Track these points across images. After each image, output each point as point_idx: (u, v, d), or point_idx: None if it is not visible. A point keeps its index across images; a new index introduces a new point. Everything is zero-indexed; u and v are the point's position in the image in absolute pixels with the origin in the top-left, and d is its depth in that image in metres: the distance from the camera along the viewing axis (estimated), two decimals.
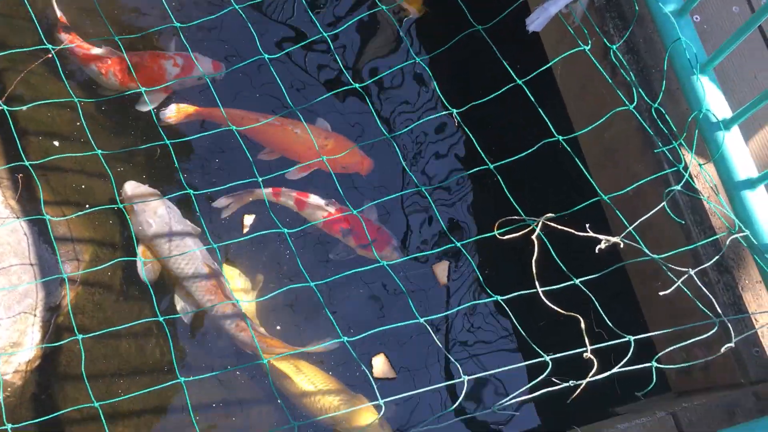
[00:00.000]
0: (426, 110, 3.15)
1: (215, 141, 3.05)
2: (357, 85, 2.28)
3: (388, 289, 2.86)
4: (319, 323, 2.83)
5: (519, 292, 1.98)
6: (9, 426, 1.77)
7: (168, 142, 2.20)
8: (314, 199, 2.89)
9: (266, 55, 2.28)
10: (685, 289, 1.88)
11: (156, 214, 2.75)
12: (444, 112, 2.19)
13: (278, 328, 2.81)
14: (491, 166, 2.13)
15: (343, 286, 2.88)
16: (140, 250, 2.72)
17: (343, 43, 3.31)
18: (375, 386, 1.78)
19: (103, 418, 1.85)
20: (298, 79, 3.23)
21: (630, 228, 1.99)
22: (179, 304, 2.72)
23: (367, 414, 2.51)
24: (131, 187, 2.82)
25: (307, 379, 2.57)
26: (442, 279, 2.86)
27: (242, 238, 2.64)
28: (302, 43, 3.17)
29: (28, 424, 2.63)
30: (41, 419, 2.11)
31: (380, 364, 2.71)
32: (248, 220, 2.98)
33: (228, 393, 2.73)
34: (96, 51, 2.96)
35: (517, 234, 2.09)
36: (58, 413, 2.10)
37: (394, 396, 1.90)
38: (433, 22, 3.29)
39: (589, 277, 1.97)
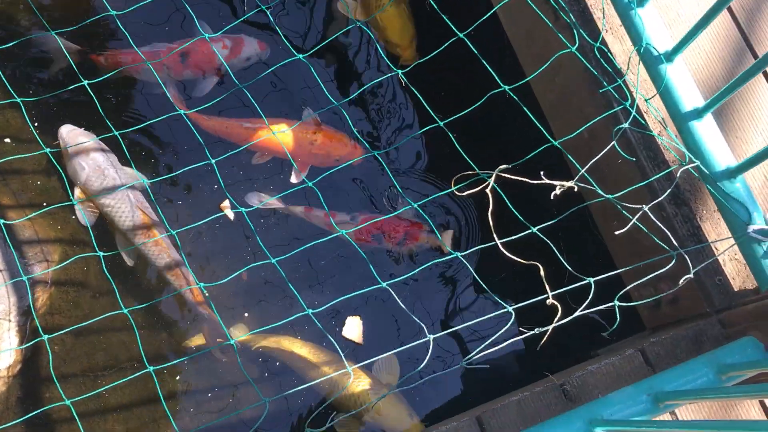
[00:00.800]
0: (372, 73, 3.12)
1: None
2: (301, 57, 2.25)
3: (348, 256, 2.86)
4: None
5: (478, 246, 1.99)
6: None
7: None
8: (340, 216, 2.90)
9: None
10: (641, 226, 1.88)
11: (89, 156, 2.72)
12: (389, 74, 2.16)
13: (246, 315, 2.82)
14: (441, 123, 2.11)
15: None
16: (76, 192, 2.70)
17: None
18: (342, 355, 1.79)
19: (75, 414, 1.85)
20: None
21: (582, 171, 1.98)
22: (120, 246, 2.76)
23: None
24: (66, 131, 2.78)
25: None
26: (447, 244, 2.83)
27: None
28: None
29: (17, 427, 2.66)
30: (16, 421, 2.11)
31: (353, 327, 2.72)
32: (228, 208, 2.96)
33: (211, 377, 2.75)
34: (144, 49, 2.93)
35: (475, 189, 2.09)
36: (31, 414, 2.09)
37: (364, 361, 1.91)
38: None
39: (546, 224, 1.96)
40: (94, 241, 2.10)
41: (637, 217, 1.87)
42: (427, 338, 1.83)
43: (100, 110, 2.17)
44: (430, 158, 3.05)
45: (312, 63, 2.33)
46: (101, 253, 2.05)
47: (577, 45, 2.05)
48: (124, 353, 2.82)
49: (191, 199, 2.98)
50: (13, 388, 2.73)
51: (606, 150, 2.00)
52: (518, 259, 1.91)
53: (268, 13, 2.33)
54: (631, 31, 2.03)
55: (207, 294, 2.63)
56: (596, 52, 2.10)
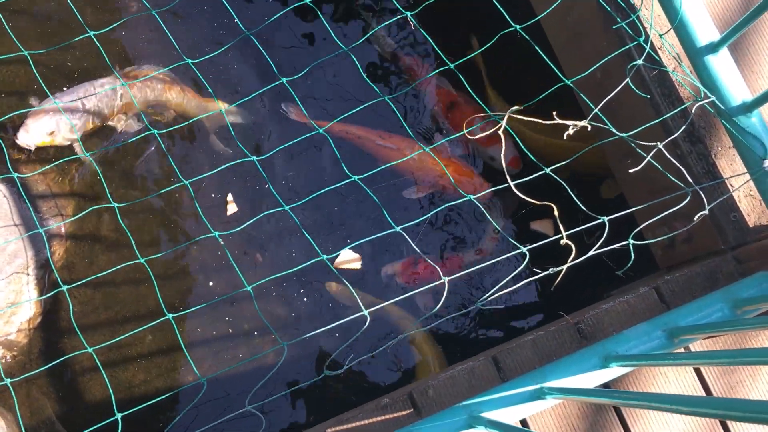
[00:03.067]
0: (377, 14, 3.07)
1: None
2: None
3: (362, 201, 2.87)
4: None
5: (491, 188, 1.98)
6: (8, 380, 1.82)
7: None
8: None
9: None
10: (655, 164, 1.87)
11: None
12: (398, 16, 2.13)
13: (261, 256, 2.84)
14: (452, 66, 2.08)
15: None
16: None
17: None
18: (357, 297, 1.80)
19: (98, 361, 1.89)
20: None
21: (596, 109, 1.96)
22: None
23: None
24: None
25: None
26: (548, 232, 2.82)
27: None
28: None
29: (40, 377, 2.72)
30: (40, 369, 2.16)
31: (347, 256, 2.75)
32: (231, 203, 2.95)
33: (225, 324, 2.79)
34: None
35: (487, 132, 2.07)
36: (52, 364, 2.13)
37: (379, 304, 1.93)
38: None
39: (560, 164, 1.95)
40: (108, 193, 2.11)
41: (651, 154, 1.86)
42: (442, 280, 1.85)
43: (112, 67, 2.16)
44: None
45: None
46: (116, 204, 2.06)
47: None
48: (141, 304, 2.86)
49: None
50: (35, 340, 2.78)
51: (620, 87, 1.98)
52: (531, 200, 1.91)
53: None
54: (680, 34, 1.98)
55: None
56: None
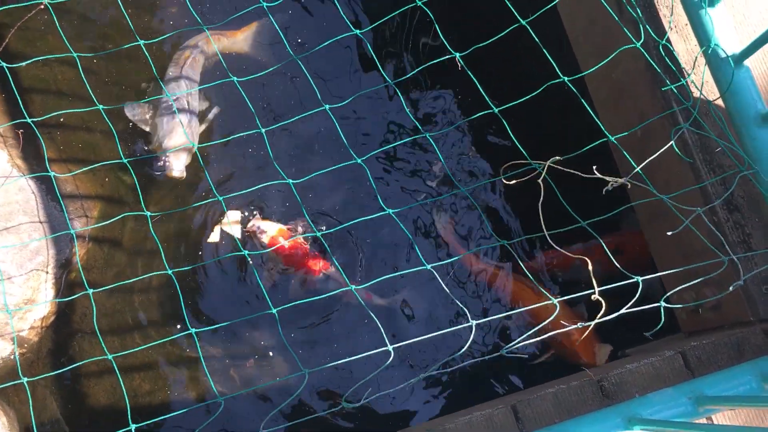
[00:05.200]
0: (428, 55, 3.10)
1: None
2: (357, 32, 2.24)
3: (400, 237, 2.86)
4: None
5: (525, 236, 1.98)
6: (25, 379, 1.80)
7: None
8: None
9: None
10: (693, 228, 1.87)
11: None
12: (447, 56, 2.15)
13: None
14: (495, 110, 2.09)
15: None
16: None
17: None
18: (383, 332, 1.79)
19: (117, 369, 1.88)
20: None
21: (638, 168, 1.96)
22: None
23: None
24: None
25: None
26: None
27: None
28: None
29: (46, 377, 2.69)
30: (56, 372, 2.14)
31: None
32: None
33: (244, 344, 2.77)
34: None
35: (524, 178, 2.07)
36: (72, 366, 2.12)
37: (403, 342, 1.91)
38: None
39: (596, 218, 1.96)
40: (142, 201, 2.11)
41: (690, 218, 1.86)
42: (470, 323, 1.84)
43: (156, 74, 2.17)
44: (480, 146, 3.03)
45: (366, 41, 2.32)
46: (149, 213, 2.06)
47: (642, 40, 2.03)
48: (155, 312, 2.85)
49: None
50: (45, 339, 2.77)
51: (664, 149, 1.99)
52: (567, 253, 1.91)
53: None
54: (698, 30, 2.00)
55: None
56: (660, 50, 2.07)
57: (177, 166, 2.78)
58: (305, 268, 2.78)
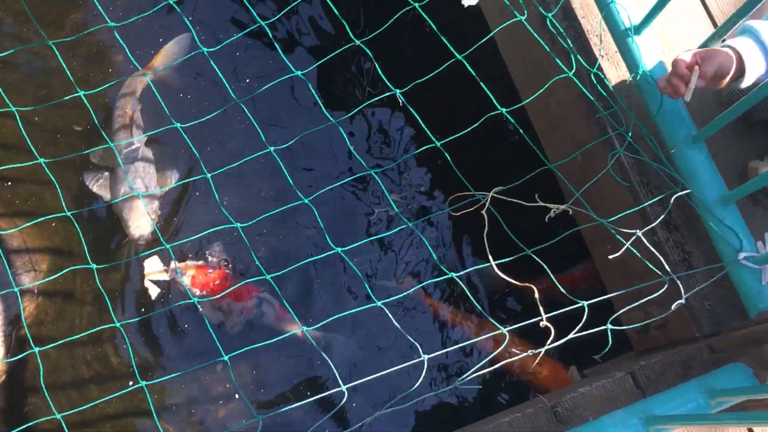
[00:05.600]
0: (368, 92, 3.14)
1: None
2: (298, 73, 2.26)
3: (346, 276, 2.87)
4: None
5: (472, 268, 2.00)
6: None
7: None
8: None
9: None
10: (634, 251, 1.91)
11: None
12: (387, 93, 2.18)
13: None
14: (438, 144, 2.12)
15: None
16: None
17: None
18: (336, 372, 1.79)
19: (66, 429, 1.84)
20: None
21: (577, 194, 2.01)
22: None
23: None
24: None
25: None
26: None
27: None
28: None
29: None
30: None
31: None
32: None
33: (199, 391, 2.73)
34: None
35: (469, 209, 2.10)
36: (23, 427, 2.06)
37: (357, 381, 1.91)
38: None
39: (540, 246, 1.98)
40: (87, 253, 2.09)
41: (630, 241, 1.90)
42: (422, 358, 1.84)
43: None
44: (425, 180, 3.07)
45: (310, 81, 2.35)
46: (94, 266, 2.04)
47: (574, 70, 2.08)
48: (107, 365, 2.80)
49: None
50: None
51: (601, 174, 2.04)
52: (513, 281, 1.93)
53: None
54: (627, 57, 2.07)
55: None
56: (592, 78, 2.13)
57: (142, 233, 2.77)
58: (235, 296, 2.78)
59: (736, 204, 1.93)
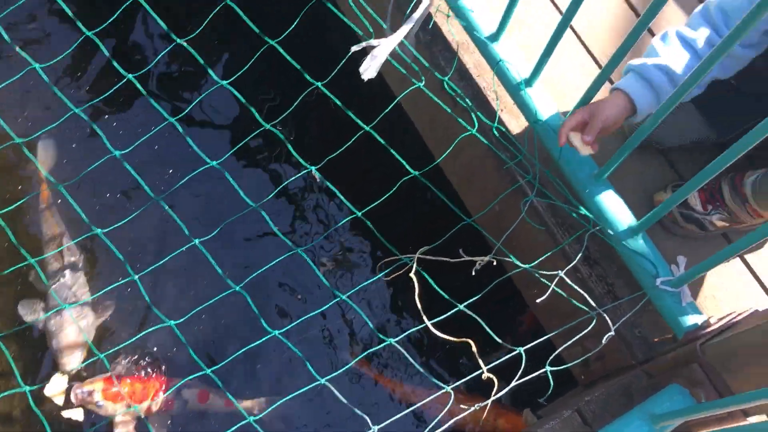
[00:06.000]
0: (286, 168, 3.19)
1: None
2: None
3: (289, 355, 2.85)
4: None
5: (409, 331, 2.03)
6: None
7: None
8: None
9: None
10: (559, 291, 1.98)
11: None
12: (303, 171, 2.23)
13: None
14: (359, 214, 2.17)
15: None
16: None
17: None
18: None
19: None
20: None
21: (498, 244, 2.08)
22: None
23: None
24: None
25: None
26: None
27: None
28: None
29: None
30: None
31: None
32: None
33: None
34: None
35: (399, 273, 2.15)
36: None
37: None
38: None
39: (471, 300, 2.03)
40: (18, 376, 2.03)
41: (555, 282, 1.97)
42: (372, 429, 1.84)
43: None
44: (354, 250, 3.11)
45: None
46: (27, 388, 1.98)
47: (476, 126, 2.18)
48: None
49: None
50: None
51: (517, 222, 2.11)
52: (450, 338, 1.97)
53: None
54: (523, 109, 2.17)
55: None
56: (494, 132, 2.23)
57: (71, 365, 2.71)
58: (148, 397, 2.72)
59: (646, 233, 2.02)
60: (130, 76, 2.26)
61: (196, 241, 2.18)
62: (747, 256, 2.26)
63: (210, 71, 2.22)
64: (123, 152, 2.31)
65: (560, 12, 2.55)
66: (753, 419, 1.75)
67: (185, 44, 2.29)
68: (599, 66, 2.49)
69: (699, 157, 2.32)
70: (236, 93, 2.31)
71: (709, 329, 1.87)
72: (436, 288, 2.08)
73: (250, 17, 2.26)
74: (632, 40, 1.72)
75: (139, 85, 2.26)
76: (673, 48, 1.91)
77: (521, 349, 1.93)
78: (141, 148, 2.87)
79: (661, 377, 1.98)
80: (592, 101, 1.98)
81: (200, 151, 2.27)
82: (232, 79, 2.27)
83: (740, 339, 1.71)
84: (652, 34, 2.54)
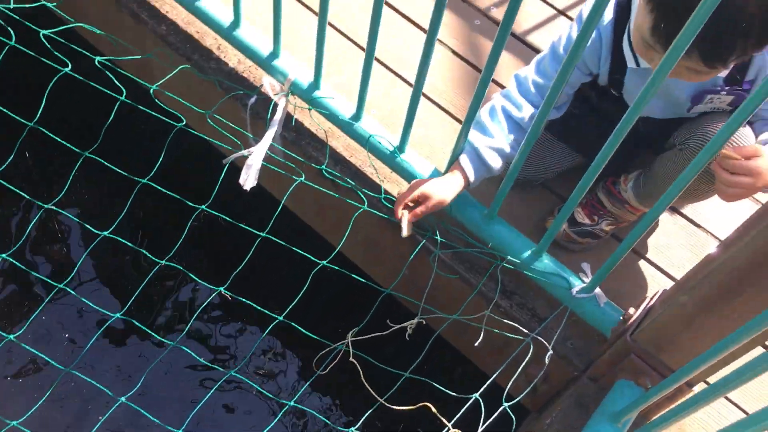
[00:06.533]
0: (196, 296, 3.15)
1: None
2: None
3: None
4: None
5: (366, 414, 2.04)
6: None
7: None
8: None
9: None
10: (493, 329, 2.07)
11: None
12: (215, 292, 2.22)
13: None
14: (280, 318, 2.18)
15: None
16: None
17: None
18: None
19: None
20: None
21: (421, 304, 2.16)
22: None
23: None
24: None
25: None
26: None
27: None
28: None
29: None
30: None
31: None
32: None
33: None
34: None
35: (336, 361, 2.16)
36: None
37: None
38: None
39: (413, 366, 2.08)
40: None
41: (484, 322, 2.07)
42: None
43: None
44: (287, 355, 3.08)
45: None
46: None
47: (366, 203, 2.27)
48: None
49: None
50: None
51: (432, 279, 2.20)
52: (408, 407, 1.99)
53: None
54: (403, 174, 2.28)
55: None
56: (384, 202, 2.33)
57: None
58: None
59: (548, 253, 2.16)
60: None
61: (122, 399, 2.10)
62: (637, 248, 2.45)
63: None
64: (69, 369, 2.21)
65: (410, 85, 2.73)
66: (696, 388, 1.87)
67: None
68: (456, 118, 2.67)
69: (575, 177, 2.52)
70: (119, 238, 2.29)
71: (631, 320, 2.00)
72: (378, 365, 2.11)
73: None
74: (479, 99, 1.86)
75: None
76: (503, 127, 2.08)
77: (476, 395, 1.98)
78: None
79: (606, 378, 2.08)
80: (428, 181, 2.10)
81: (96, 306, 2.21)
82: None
83: (661, 319, 1.84)
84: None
